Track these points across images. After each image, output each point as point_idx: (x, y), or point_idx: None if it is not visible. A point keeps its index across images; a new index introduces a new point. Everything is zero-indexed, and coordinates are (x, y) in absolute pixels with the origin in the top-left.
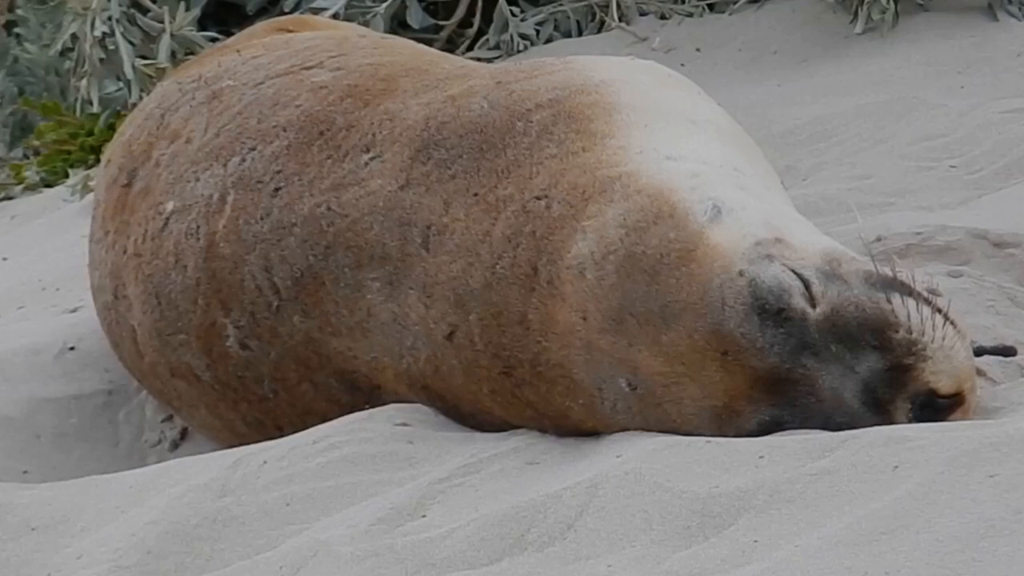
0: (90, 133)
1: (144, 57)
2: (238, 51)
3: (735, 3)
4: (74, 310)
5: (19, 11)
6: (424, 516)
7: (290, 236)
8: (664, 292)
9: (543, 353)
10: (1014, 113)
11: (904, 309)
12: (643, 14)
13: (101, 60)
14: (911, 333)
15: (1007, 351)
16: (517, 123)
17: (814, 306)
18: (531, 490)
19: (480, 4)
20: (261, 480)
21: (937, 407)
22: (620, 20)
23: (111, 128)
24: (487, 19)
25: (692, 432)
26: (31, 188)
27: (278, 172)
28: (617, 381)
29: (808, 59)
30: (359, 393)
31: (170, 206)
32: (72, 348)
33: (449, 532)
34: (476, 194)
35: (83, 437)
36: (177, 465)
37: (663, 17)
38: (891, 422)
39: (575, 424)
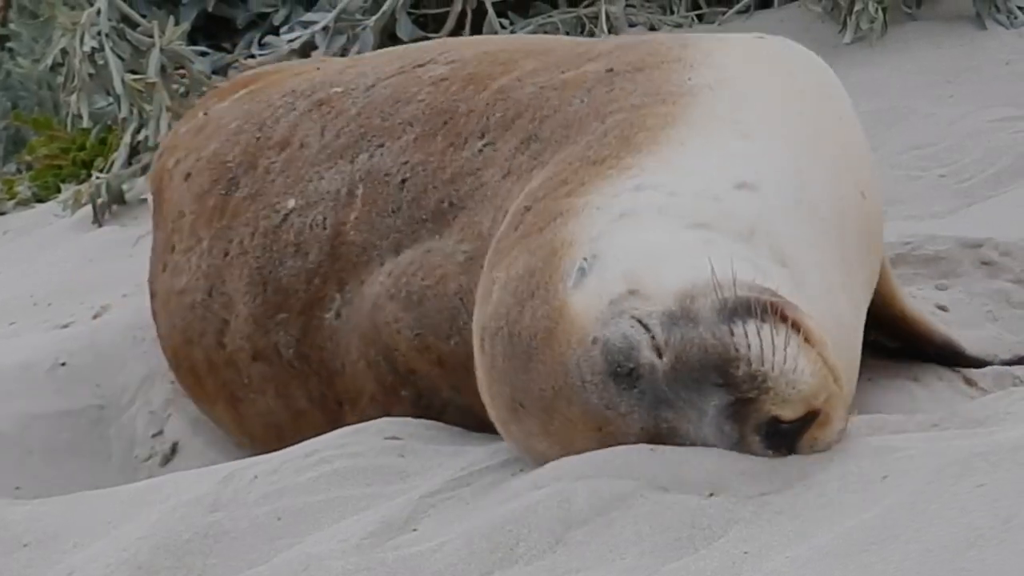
0: (82, 148)
1: (134, 72)
2: (318, 68)
3: (724, 13)
4: (65, 325)
5: (12, 25)
6: (415, 530)
7: (422, 229)
8: (538, 379)
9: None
10: (1003, 121)
11: (746, 340)
12: (632, 25)
13: (91, 75)
14: (751, 365)
15: None
16: (594, 123)
17: (661, 356)
18: (521, 502)
19: (470, 16)
20: (252, 495)
21: (784, 432)
22: (609, 31)
23: (102, 143)
24: (476, 31)
25: None
26: (23, 203)
27: (404, 163)
28: (536, 457)
29: None
30: (397, 376)
31: (291, 203)
32: (64, 364)
33: (439, 545)
34: (524, 190)
35: (75, 452)
36: (168, 480)
37: (652, 28)
38: (753, 453)
39: None
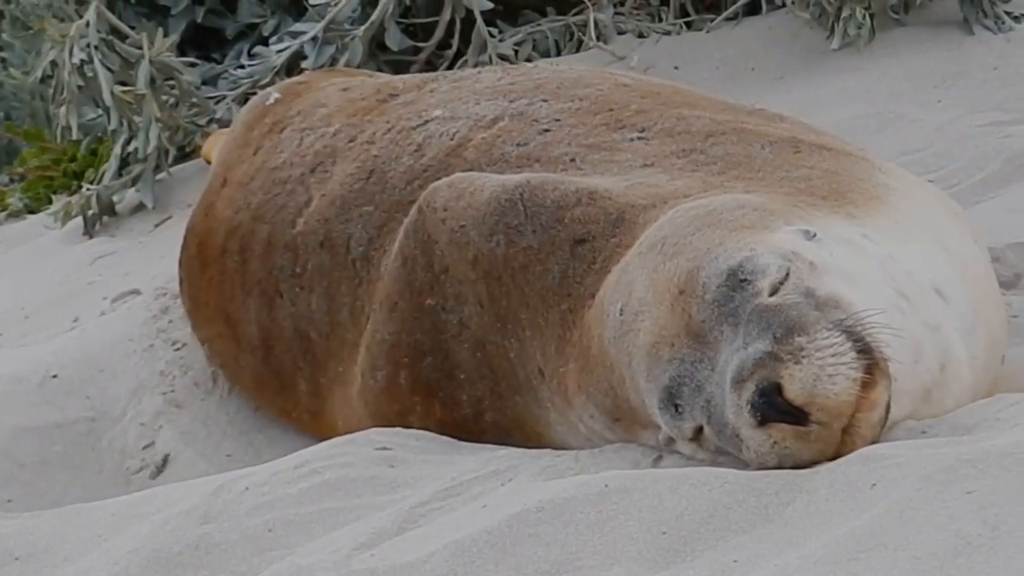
0: (72, 159)
1: (123, 83)
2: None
3: (712, 20)
4: (56, 338)
5: (4, 36)
6: (405, 540)
7: (529, 169)
8: (696, 237)
9: (606, 272)
10: (991, 126)
11: (828, 340)
12: (621, 32)
13: (80, 87)
14: (809, 343)
15: None
16: (786, 165)
17: (771, 296)
18: (512, 511)
19: (458, 25)
20: (243, 506)
21: (773, 403)
22: (598, 39)
23: (93, 153)
24: (465, 40)
25: (633, 378)
26: (14, 215)
27: (556, 120)
28: (617, 306)
29: (785, 75)
30: (429, 275)
31: (436, 113)
32: (55, 376)
33: (429, 555)
34: (704, 181)
35: (66, 465)
36: (159, 492)
37: (641, 35)
38: (738, 402)
39: (593, 360)
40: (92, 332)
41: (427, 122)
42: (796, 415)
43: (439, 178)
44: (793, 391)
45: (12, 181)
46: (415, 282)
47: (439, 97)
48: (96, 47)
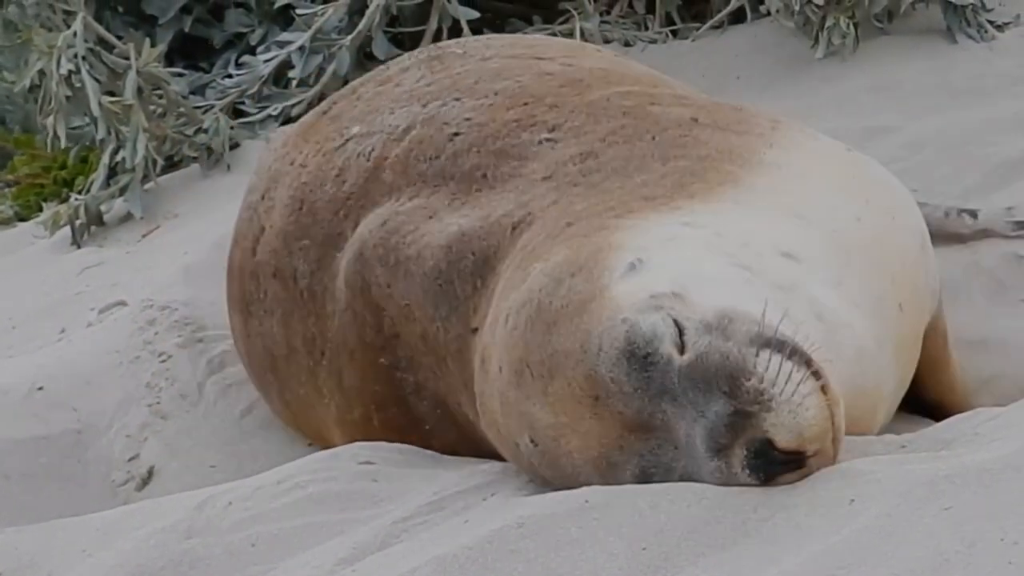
0: (63, 166)
1: (111, 93)
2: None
3: (698, 29)
4: (43, 349)
5: None
6: (387, 555)
7: (444, 187)
8: (555, 341)
9: (488, 393)
10: (974, 135)
11: (766, 363)
12: (607, 41)
13: (68, 98)
14: (761, 383)
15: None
16: (655, 164)
17: (682, 353)
18: (493, 527)
19: (445, 34)
20: (226, 521)
21: (772, 458)
22: None
23: (84, 161)
24: None
25: (587, 484)
26: (5, 222)
27: (466, 120)
28: (524, 437)
29: (771, 84)
30: (380, 336)
31: (355, 129)
32: (41, 388)
33: (412, 570)
34: (566, 210)
35: (52, 477)
36: (143, 507)
37: (627, 44)
38: (729, 470)
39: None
40: (78, 344)
41: (347, 141)
42: (794, 459)
43: (362, 206)
44: (784, 440)
45: (8, 187)
46: (366, 338)
47: (360, 109)
48: (84, 57)
